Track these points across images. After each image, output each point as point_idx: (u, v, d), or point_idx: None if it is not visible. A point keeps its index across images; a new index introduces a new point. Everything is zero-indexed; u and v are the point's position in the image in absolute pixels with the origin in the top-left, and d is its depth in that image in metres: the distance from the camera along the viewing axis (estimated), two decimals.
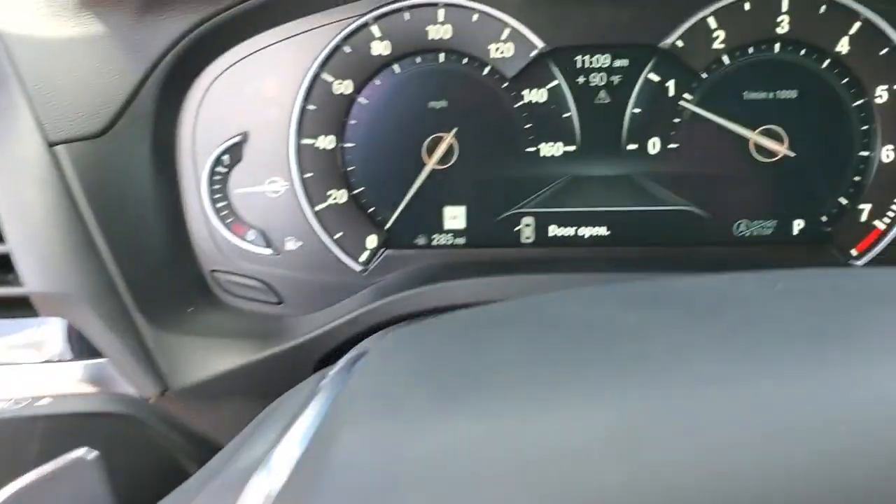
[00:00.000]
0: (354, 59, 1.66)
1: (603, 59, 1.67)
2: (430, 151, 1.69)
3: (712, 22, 1.62)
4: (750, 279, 1.01)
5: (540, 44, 1.64)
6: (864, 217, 1.64)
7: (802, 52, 1.64)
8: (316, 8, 1.65)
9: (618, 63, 1.67)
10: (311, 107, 1.67)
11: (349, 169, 1.70)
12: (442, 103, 1.68)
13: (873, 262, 1.64)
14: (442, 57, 1.68)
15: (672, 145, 1.67)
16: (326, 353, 1.54)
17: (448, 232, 1.71)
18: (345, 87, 1.67)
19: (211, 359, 1.55)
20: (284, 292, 1.70)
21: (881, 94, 1.62)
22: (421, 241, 1.72)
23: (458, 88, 1.68)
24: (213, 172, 1.68)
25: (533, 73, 1.67)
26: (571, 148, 1.69)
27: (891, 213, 1.64)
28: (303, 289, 1.69)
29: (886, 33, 1.59)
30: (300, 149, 1.67)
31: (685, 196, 1.69)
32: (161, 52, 1.54)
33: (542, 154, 1.69)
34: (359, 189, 1.70)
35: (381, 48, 1.66)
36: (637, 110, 1.67)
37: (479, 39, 1.65)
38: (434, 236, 1.72)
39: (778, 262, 1.66)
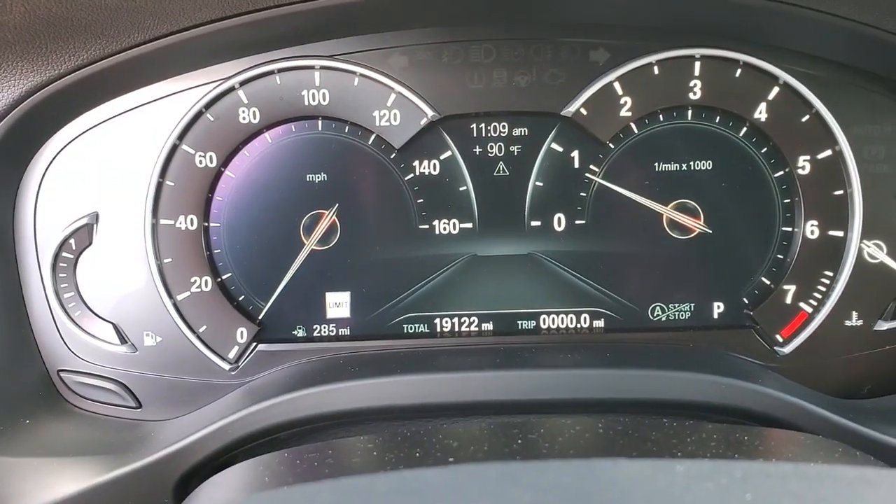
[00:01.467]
0: (219, 127, 1.46)
1: (500, 128, 1.49)
2: (309, 230, 1.49)
3: (618, 88, 1.46)
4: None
5: (430, 112, 1.46)
6: (788, 299, 1.50)
7: (717, 119, 1.49)
8: (174, 72, 1.45)
9: (517, 132, 1.50)
10: (169, 182, 1.46)
11: (215, 252, 1.50)
12: (321, 176, 1.49)
13: (800, 349, 1.49)
14: (320, 125, 1.48)
15: (579, 221, 1.51)
16: (188, 470, 1.32)
17: (331, 321, 1.52)
18: (208, 159, 1.47)
19: (53, 481, 1.32)
20: (143, 394, 1.48)
21: (803, 165, 1.47)
22: (300, 332, 1.52)
23: (340, 160, 1.50)
24: (57, 259, 1.46)
25: (423, 142, 1.49)
26: (468, 225, 1.51)
27: (817, 295, 1.49)
28: (164, 390, 1.48)
29: (807, 98, 1.45)
30: (157, 230, 1.46)
31: (594, 278, 1.52)
32: None
33: (436, 232, 1.51)
34: (226, 275, 1.50)
35: (249, 116, 1.47)
36: (540, 183, 1.50)
37: (362, 106, 1.47)
38: (315, 327, 1.52)
39: (697, 349, 1.50)
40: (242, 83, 1.46)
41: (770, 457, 0.92)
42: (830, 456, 0.99)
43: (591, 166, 1.50)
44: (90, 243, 1.47)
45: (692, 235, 1.50)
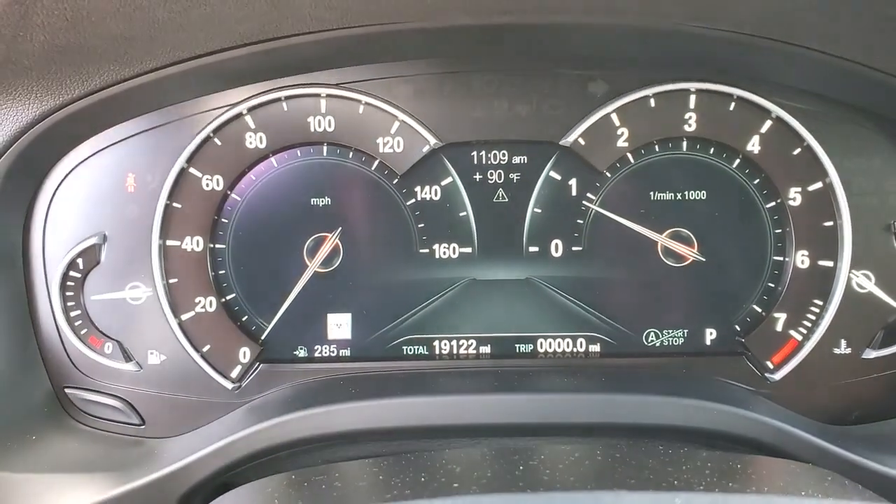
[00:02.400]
0: (226, 152, 1.50)
1: (500, 156, 1.53)
2: (312, 253, 1.52)
3: (616, 119, 1.50)
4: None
5: (432, 139, 1.50)
6: (779, 326, 1.53)
7: (711, 150, 1.53)
8: (183, 97, 1.48)
9: (517, 160, 1.54)
10: (176, 204, 1.50)
11: (220, 273, 1.53)
12: (325, 200, 1.53)
13: (790, 376, 1.52)
14: (325, 150, 1.52)
15: (576, 248, 1.54)
16: (191, 488, 1.35)
17: (332, 342, 1.55)
18: (215, 182, 1.51)
19: (57, 498, 1.35)
20: (147, 412, 1.51)
21: (794, 197, 1.52)
22: (301, 353, 1.55)
23: (343, 185, 1.53)
24: (65, 278, 1.49)
25: (425, 169, 1.53)
26: (468, 250, 1.54)
27: (807, 323, 1.53)
28: (167, 408, 1.51)
29: (799, 132, 1.50)
30: (164, 251, 1.50)
31: (590, 303, 1.55)
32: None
33: (436, 256, 1.54)
34: (231, 296, 1.53)
35: (256, 141, 1.50)
36: (538, 210, 1.54)
37: (366, 133, 1.51)
38: (316, 347, 1.55)
39: (690, 374, 1.53)
40: (250, 109, 1.49)
41: (763, 486, 0.95)
42: (820, 485, 1.03)
43: (589, 194, 1.54)
44: (98, 263, 1.50)
45: (686, 263, 1.54)
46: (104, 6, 1.12)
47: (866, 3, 1.16)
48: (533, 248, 1.54)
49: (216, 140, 1.50)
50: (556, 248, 1.54)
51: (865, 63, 1.37)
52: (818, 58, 1.38)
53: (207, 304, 1.51)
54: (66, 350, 1.51)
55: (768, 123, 1.50)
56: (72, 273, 1.50)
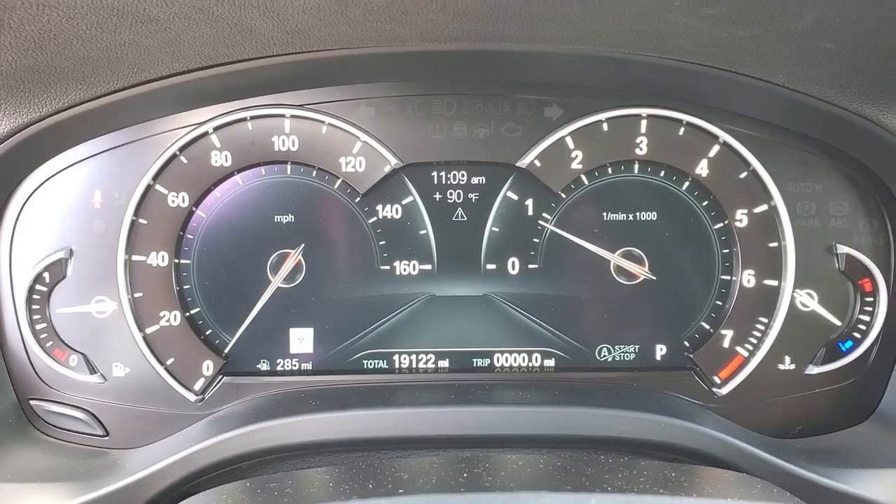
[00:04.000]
0: (192, 169, 1.54)
1: (460, 176, 1.59)
2: (276, 269, 1.57)
3: (570, 142, 1.56)
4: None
5: (393, 160, 1.55)
6: (726, 343, 1.60)
7: (662, 173, 1.59)
8: (150, 115, 1.52)
9: (475, 180, 1.59)
10: (142, 220, 1.53)
11: (184, 288, 1.56)
12: (289, 217, 1.57)
13: (736, 391, 1.59)
14: (289, 169, 1.57)
15: (532, 266, 1.60)
16: (152, 497, 1.38)
17: (294, 356, 1.59)
18: (181, 199, 1.54)
19: None
20: (111, 423, 1.54)
21: (741, 218, 1.58)
22: (264, 366, 1.59)
23: (307, 202, 1.58)
24: (31, 291, 1.52)
25: (387, 188, 1.58)
26: (428, 267, 1.59)
27: (753, 340, 1.59)
28: (131, 420, 1.54)
29: (745, 157, 1.56)
30: (130, 266, 1.53)
31: (545, 319, 1.61)
32: None
33: (397, 273, 1.59)
34: (195, 310, 1.57)
35: (221, 159, 1.55)
36: (496, 229, 1.59)
37: (329, 152, 1.55)
38: (279, 361, 1.59)
39: (642, 389, 1.59)
40: (216, 128, 1.54)
41: (686, 491, 1.00)
42: (748, 492, 1.08)
43: (544, 214, 1.60)
44: (64, 277, 1.53)
45: (637, 281, 1.60)
46: (70, 28, 1.16)
47: (800, 36, 1.22)
48: (490, 266, 1.59)
49: (182, 158, 1.54)
50: (513, 265, 1.60)
51: (805, 92, 1.43)
52: (761, 86, 1.45)
53: (172, 317, 1.55)
54: (31, 362, 1.53)
55: (716, 148, 1.57)
56: (38, 287, 1.53)
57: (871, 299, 1.59)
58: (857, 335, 1.60)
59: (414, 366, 1.59)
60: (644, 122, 1.56)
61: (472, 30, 1.26)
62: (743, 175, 1.58)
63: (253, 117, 1.54)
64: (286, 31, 1.26)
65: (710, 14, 1.16)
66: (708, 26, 1.22)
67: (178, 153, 1.53)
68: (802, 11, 1.12)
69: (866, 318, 1.59)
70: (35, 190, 1.52)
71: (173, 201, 1.54)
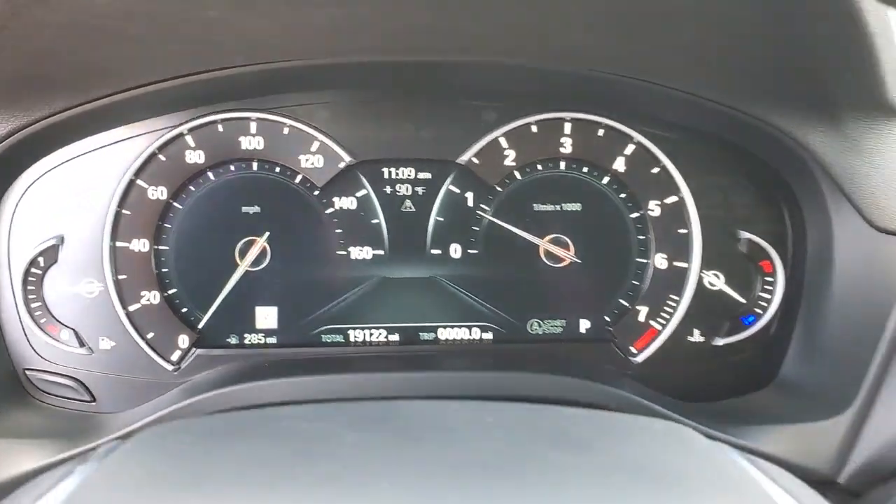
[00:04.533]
0: (169, 166, 1.75)
1: (408, 172, 1.80)
2: (243, 254, 1.77)
3: (503, 142, 1.78)
4: (466, 409, 1.15)
5: (347, 157, 1.76)
6: (641, 317, 1.81)
7: (585, 169, 1.81)
8: (133, 119, 1.73)
9: (421, 175, 1.80)
10: (125, 211, 1.74)
11: (163, 271, 1.77)
12: (255, 208, 1.78)
13: (650, 359, 1.80)
14: (255, 165, 1.78)
15: (472, 251, 1.81)
16: None
17: (260, 331, 1.79)
18: (159, 192, 1.75)
19: (19, 458, 1.57)
20: (97, 390, 1.74)
21: (654, 208, 1.80)
22: (233, 340, 1.79)
23: (271, 195, 1.78)
24: (27, 274, 1.72)
25: (342, 182, 1.78)
26: (380, 252, 1.80)
27: (665, 315, 1.81)
28: (115, 387, 1.74)
29: (656, 155, 1.78)
30: (114, 251, 1.73)
31: (484, 298, 1.82)
32: None
33: (352, 257, 1.80)
34: (172, 290, 1.77)
35: (195, 157, 1.75)
36: (440, 218, 1.80)
37: (290, 151, 1.76)
38: (246, 336, 1.79)
39: (567, 358, 1.80)
40: (190, 129, 1.74)
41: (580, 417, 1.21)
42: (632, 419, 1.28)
43: (482, 205, 1.81)
44: (56, 261, 1.73)
45: (564, 264, 1.81)
46: (63, 45, 1.37)
47: (683, 46, 1.44)
48: (435, 251, 1.81)
49: (161, 156, 1.75)
50: (455, 250, 1.81)
51: (703, 97, 1.65)
52: (666, 92, 1.66)
53: (152, 297, 1.75)
54: (27, 337, 1.73)
55: (631, 147, 1.79)
56: (33, 270, 1.73)
57: (770, 279, 1.81)
58: (759, 310, 1.81)
59: (367, 340, 1.80)
60: (568, 125, 1.78)
61: (405, 44, 1.48)
62: (655, 170, 1.79)
63: (223, 120, 1.74)
64: (247, 45, 1.47)
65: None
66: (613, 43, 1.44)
67: (156, 152, 1.74)
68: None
69: (767, 296, 1.81)
70: (31, 184, 1.71)
71: (153, 194, 1.75)
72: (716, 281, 1.81)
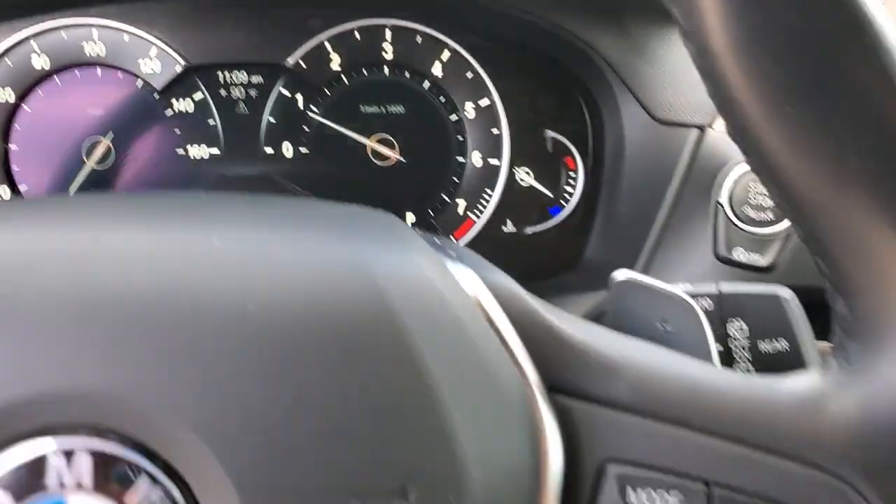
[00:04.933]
0: (16, 71, 1.88)
1: (241, 76, 1.95)
2: (90, 154, 1.92)
3: (328, 46, 1.94)
4: None
5: (182, 62, 1.91)
6: (460, 210, 2.00)
7: (406, 74, 1.98)
8: None
9: (254, 79, 1.96)
10: None
11: (14, 169, 1.91)
12: (99, 111, 1.92)
13: (469, 247, 1.96)
14: (99, 71, 1.92)
15: (303, 150, 1.98)
16: None
17: None
18: (7, 94, 1.88)
19: None
20: None
21: (469, 111, 1.98)
22: None
23: (114, 98, 1.93)
24: None
25: (180, 86, 1.93)
26: (216, 151, 1.96)
27: (481, 207, 2.00)
28: None
29: (469, 61, 1.96)
30: None
31: (317, 194, 1.99)
32: None
33: (191, 156, 1.96)
34: (23, 187, 1.92)
35: (41, 62, 1.89)
36: (272, 119, 1.96)
37: (131, 56, 1.91)
38: None
39: None
40: (35, 35, 1.88)
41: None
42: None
43: (312, 106, 1.97)
44: None
45: (390, 163, 1.99)
46: None
47: None
48: (269, 150, 1.97)
49: (7, 61, 1.88)
50: (287, 149, 1.98)
51: (509, 5, 1.83)
52: (476, 2, 1.84)
53: (2, 192, 1.90)
54: None
55: (447, 54, 1.96)
56: None
57: (573, 174, 2.01)
58: (563, 202, 2.01)
59: None
60: (388, 32, 1.95)
61: None
62: (469, 76, 1.97)
63: (66, 26, 1.88)
64: None
65: None
66: None
67: (2, 56, 1.87)
68: None
69: (570, 189, 2.01)
70: None
71: (2, 97, 1.88)
72: (526, 177, 2.00)
